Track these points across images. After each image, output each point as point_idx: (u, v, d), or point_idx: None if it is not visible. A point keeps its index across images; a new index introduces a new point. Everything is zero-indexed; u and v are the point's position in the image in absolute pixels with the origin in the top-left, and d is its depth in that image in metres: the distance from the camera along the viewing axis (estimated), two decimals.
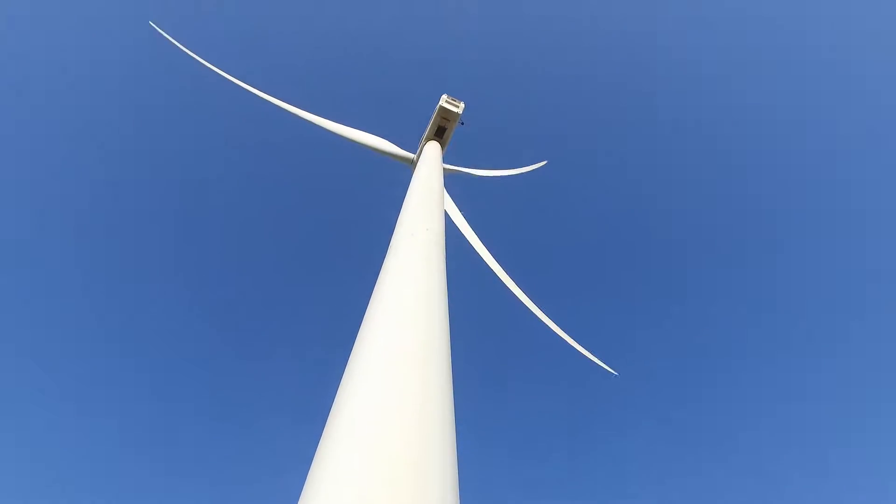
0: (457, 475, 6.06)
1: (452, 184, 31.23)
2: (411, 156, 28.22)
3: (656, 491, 61.59)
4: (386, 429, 5.80)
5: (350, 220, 79.43)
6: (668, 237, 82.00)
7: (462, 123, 29.50)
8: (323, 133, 30.55)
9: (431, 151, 22.73)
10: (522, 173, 40.37)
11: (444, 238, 12.19)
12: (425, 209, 13.02)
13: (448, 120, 28.02)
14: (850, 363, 66.10)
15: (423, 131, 28.64)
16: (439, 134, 27.86)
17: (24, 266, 58.53)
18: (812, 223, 75.56)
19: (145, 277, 66.56)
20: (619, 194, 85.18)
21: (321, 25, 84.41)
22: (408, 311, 8.16)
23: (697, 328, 75.77)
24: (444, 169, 25.51)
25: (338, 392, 7.11)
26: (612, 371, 37.88)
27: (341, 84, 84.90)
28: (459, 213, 30.52)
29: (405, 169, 28.73)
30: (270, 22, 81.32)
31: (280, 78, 79.81)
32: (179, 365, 63.94)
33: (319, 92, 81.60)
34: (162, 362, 62.63)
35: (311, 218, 79.28)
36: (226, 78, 32.66)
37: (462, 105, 28.69)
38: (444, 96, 28.48)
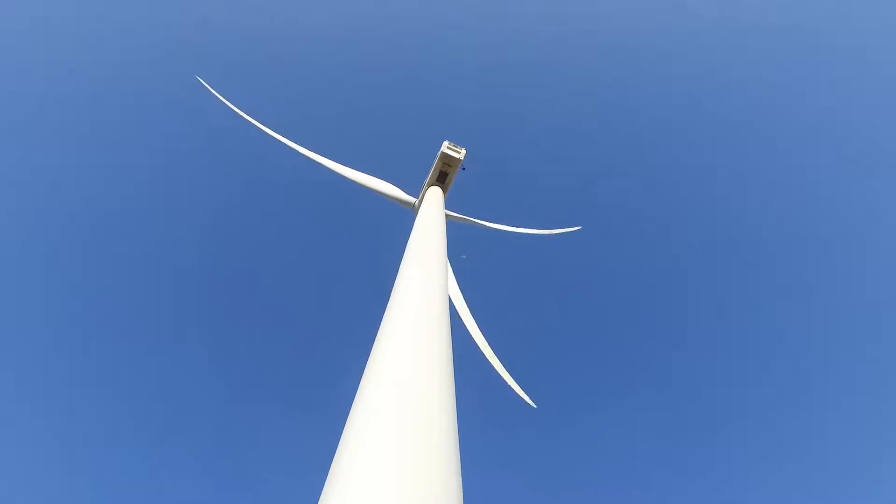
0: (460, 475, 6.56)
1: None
2: (413, 200, 29.10)
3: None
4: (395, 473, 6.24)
5: (352, 262, 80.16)
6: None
7: (464, 169, 30.47)
8: (326, 173, 31.86)
9: (433, 197, 23.57)
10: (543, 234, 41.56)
11: (446, 285, 12.76)
12: (427, 257, 13.64)
13: (450, 165, 28.93)
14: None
15: (425, 176, 29.66)
16: (441, 179, 28.75)
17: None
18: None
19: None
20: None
21: (326, 69, 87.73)
22: (412, 357, 8.70)
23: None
24: (448, 216, 26.37)
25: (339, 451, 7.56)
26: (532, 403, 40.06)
27: (344, 127, 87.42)
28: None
29: (406, 211, 29.62)
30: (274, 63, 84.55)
31: (283, 119, 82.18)
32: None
33: (322, 135, 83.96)
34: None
35: (314, 258, 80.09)
36: (240, 114, 34.44)
37: (463, 151, 29.66)
38: (446, 142, 29.49)
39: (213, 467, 60.06)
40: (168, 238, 72.86)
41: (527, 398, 39.15)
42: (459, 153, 29.17)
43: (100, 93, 71.59)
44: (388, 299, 12.12)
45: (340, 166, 31.69)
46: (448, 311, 11.35)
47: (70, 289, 63.38)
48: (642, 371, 74.02)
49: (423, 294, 11.15)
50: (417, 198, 28.98)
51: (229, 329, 71.65)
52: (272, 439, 63.44)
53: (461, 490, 6.63)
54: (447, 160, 28.74)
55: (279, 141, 33.47)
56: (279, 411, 66.59)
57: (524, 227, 38.39)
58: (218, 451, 61.20)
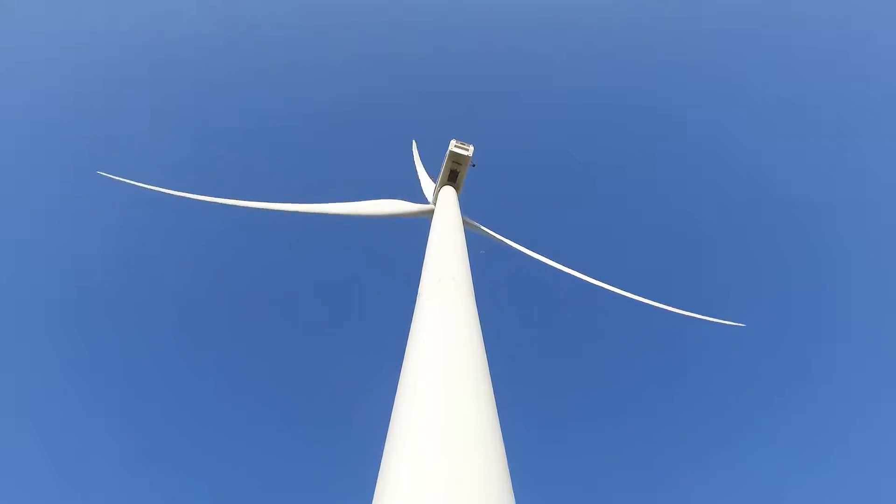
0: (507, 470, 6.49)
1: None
2: (429, 207, 29.03)
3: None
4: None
5: (372, 270, 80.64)
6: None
7: (474, 165, 30.30)
8: (333, 218, 29.92)
9: (447, 197, 23.50)
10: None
11: (471, 283, 12.67)
12: (448, 257, 13.57)
13: (459, 164, 28.80)
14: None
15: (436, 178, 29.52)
16: (452, 179, 28.63)
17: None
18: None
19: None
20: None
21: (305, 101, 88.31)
22: (446, 356, 8.64)
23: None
24: (468, 223, 26.11)
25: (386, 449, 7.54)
26: (737, 324, 35.68)
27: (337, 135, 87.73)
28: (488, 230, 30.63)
29: (422, 221, 29.43)
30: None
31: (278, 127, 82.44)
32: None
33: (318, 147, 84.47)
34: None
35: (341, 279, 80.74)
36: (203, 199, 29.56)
37: (472, 148, 29.50)
38: (453, 141, 29.35)
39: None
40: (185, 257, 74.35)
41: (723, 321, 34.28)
42: (468, 150, 29.03)
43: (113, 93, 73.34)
44: (413, 306, 12.09)
45: (346, 205, 29.53)
46: (476, 311, 11.25)
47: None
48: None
49: (450, 297, 11.08)
50: (431, 202, 28.92)
51: (255, 346, 72.70)
52: (303, 457, 64.02)
53: (511, 490, 6.54)
54: (456, 159, 28.61)
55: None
56: (316, 435, 67.14)
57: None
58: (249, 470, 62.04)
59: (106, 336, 64.79)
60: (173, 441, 61.00)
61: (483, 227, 29.42)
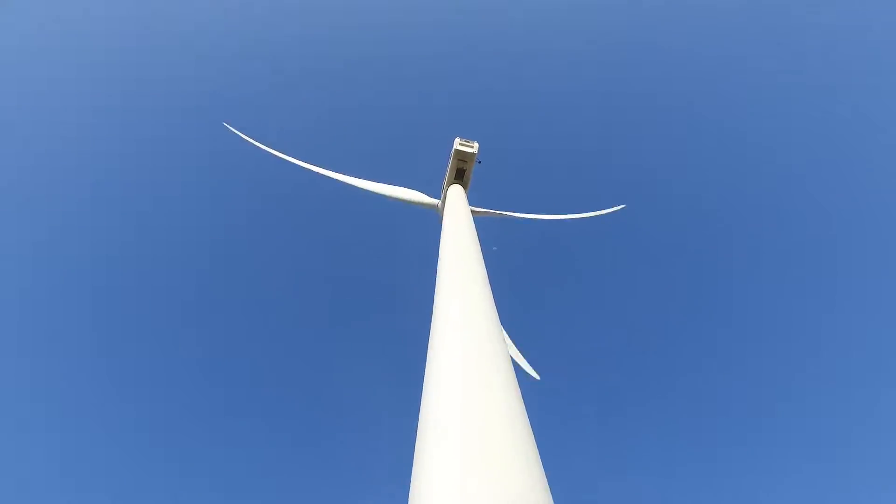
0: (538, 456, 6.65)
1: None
2: (436, 201, 29.19)
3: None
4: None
5: (382, 268, 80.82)
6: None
7: (479, 162, 30.37)
8: (346, 189, 32.43)
9: (456, 196, 23.58)
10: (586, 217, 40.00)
11: (487, 280, 12.80)
12: (462, 255, 13.70)
13: (465, 161, 28.91)
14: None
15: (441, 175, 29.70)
16: (459, 176, 28.73)
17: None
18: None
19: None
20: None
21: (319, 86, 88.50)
22: (469, 354, 8.79)
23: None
24: (475, 212, 26.42)
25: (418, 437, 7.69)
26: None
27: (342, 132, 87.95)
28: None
29: (431, 213, 29.77)
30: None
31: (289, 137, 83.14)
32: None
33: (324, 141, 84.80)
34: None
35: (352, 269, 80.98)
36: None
37: (476, 145, 29.60)
38: (458, 139, 29.45)
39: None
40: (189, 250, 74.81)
41: (531, 370, 39.11)
42: (472, 147, 29.11)
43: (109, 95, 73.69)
44: (431, 303, 12.22)
45: (359, 180, 32.08)
46: (494, 306, 11.39)
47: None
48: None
49: (469, 295, 11.22)
50: (439, 199, 29.06)
51: (268, 345, 73.12)
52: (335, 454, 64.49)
53: (546, 482, 6.66)
54: (461, 156, 28.71)
55: (293, 162, 34.64)
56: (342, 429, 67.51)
57: (558, 214, 36.73)
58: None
59: (144, 334, 65.42)
60: (187, 441, 61.64)
61: (490, 210, 29.91)
